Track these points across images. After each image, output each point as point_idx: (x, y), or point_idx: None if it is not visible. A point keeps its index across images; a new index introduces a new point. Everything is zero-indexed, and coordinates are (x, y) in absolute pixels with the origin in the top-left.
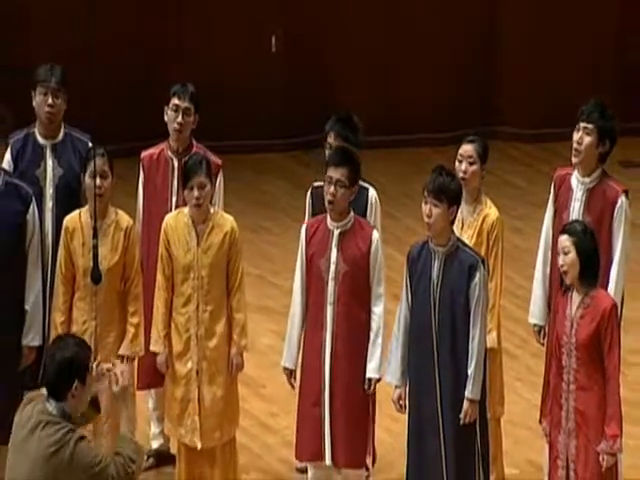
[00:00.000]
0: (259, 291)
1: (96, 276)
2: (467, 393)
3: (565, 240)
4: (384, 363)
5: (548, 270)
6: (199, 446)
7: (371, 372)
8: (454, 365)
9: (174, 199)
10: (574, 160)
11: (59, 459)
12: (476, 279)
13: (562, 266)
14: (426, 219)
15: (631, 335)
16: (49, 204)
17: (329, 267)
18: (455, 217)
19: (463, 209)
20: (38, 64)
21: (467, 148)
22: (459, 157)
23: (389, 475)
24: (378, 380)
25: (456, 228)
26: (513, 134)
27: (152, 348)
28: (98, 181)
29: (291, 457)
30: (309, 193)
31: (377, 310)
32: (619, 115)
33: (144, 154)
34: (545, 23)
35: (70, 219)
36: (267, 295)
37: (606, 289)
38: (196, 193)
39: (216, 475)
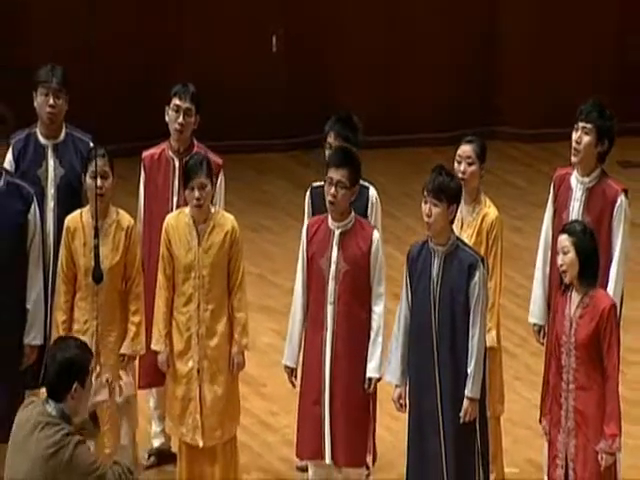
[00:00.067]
0: (260, 290)
1: (97, 275)
2: (467, 392)
3: (565, 240)
4: (384, 362)
5: (548, 270)
6: (201, 444)
7: (371, 371)
8: (454, 364)
9: (175, 199)
10: (573, 159)
11: (58, 460)
12: (476, 278)
13: (561, 266)
14: (426, 218)
15: (630, 334)
16: (50, 204)
17: (330, 266)
18: (455, 216)
19: (462, 209)
20: (38, 64)
21: (465, 149)
22: (458, 158)
23: (389, 474)
24: (378, 379)
25: (455, 227)
26: (513, 134)
27: (153, 347)
28: (99, 182)
29: (291, 456)
30: (308, 193)
31: (377, 309)
32: (619, 115)
33: (145, 154)
34: (545, 23)
35: (71, 219)
36: (268, 294)
37: (606, 288)
38: (197, 194)
39: (217, 473)
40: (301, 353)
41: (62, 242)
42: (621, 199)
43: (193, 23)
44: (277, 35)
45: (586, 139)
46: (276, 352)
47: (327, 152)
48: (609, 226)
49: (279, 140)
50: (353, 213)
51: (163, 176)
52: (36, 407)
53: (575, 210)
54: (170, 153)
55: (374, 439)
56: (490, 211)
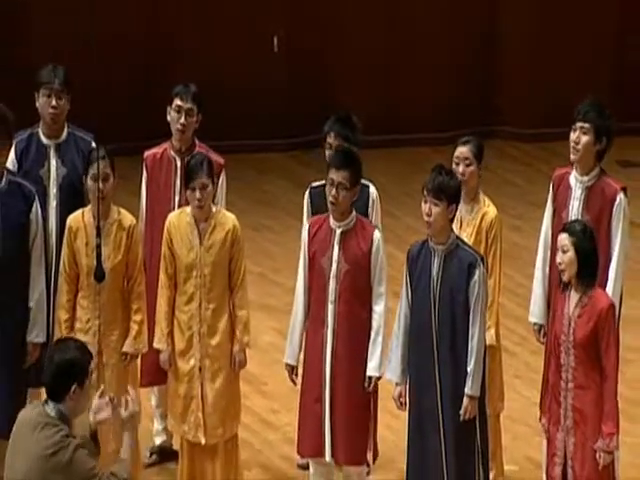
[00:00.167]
0: (261, 289)
1: (99, 274)
2: (467, 390)
3: (564, 239)
4: (384, 362)
5: (548, 269)
6: (203, 442)
7: (371, 370)
8: (454, 362)
9: (177, 198)
10: (572, 158)
11: (57, 461)
12: (475, 277)
13: (560, 264)
14: (426, 218)
15: (629, 333)
16: (53, 203)
17: (331, 266)
18: (454, 215)
19: (461, 208)
20: (39, 64)
21: (463, 150)
22: (455, 159)
23: (390, 471)
24: (378, 378)
25: (455, 227)
26: (513, 134)
27: (156, 346)
28: (100, 184)
29: (292, 453)
30: (307, 194)
31: (378, 309)
32: (618, 115)
33: (147, 153)
34: (545, 23)
35: (73, 219)
36: (269, 293)
37: (605, 287)
38: (198, 194)
39: (218, 471)
40: (302, 352)
41: (64, 242)
42: (620, 197)
43: (193, 23)
44: (278, 36)
45: (584, 139)
46: (277, 350)
47: (327, 152)
48: (608, 224)
49: (279, 140)
50: (354, 213)
51: (165, 176)
52: (36, 408)
53: (574, 209)
54: (172, 153)
55: (375, 437)
56: (489, 210)
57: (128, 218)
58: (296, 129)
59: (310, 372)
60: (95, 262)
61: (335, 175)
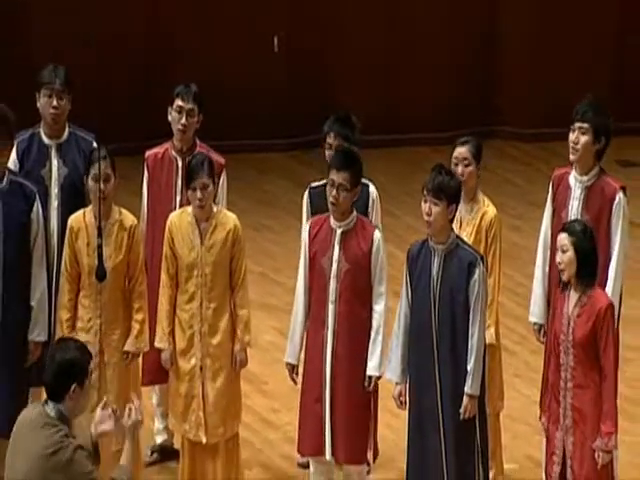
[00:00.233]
0: (261, 288)
1: (101, 274)
2: (466, 389)
3: (564, 239)
4: (384, 361)
5: (547, 268)
6: (204, 441)
7: (371, 370)
8: (454, 362)
9: (178, 198)
10: (572, 158)
11: (56, 461)
12: (475, 276)
13: (560, 264)
14: (426, 217)
15: (629, 332)
16: (54, 203)
17: (331, 265)
18: (454, 215)
19: (461, 208)
20: (39, 64)
21: (461, 151)
22: (454, 160)
23: (390, 470)
24: (378, 378)
25: (455, 227)
26: (512, 133)
27: (157, 345)
28: (101, 185)
29: (293, 452)
30: (306, 194)
31: (378, 308)
32: (618, 115)
33: (148, 153)
34: (545, 23)
35: (75, 219)
36: (269, 292)
37: (605, 286)
38: (199, 194)
39: (219, 470)
40: (302, 351)
41: (65, 242)
42: (619, 196)
43: (193, 23)
44: (279, 36)
45: (583, 139)
46: (277, 350)
47: (327, 152)
48: (608, 224)
49: (280, 140)
50: (355, 212)
51: (166, 175)
52: (36, 408)
53: (574, 209)
54: (173, 153)
55: (375, 436)
56: (489, 210)
57: (129, 218)
58: (296, 129)
59: (310, 371)
60: (96, 261)
61: (336, 176)
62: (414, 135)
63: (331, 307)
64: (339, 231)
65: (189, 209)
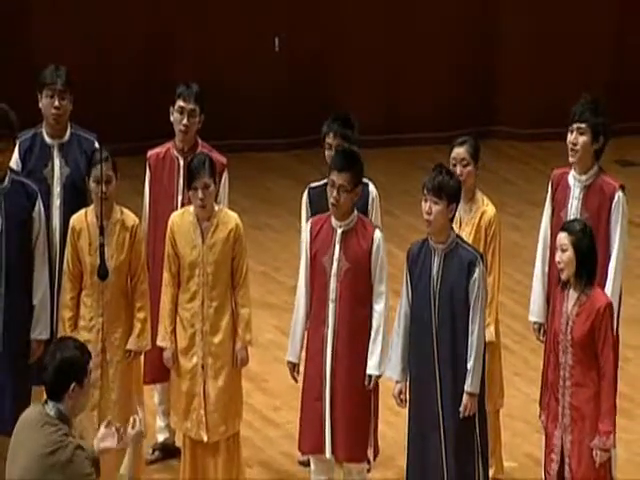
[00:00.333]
0: (263, 287)
1: (103, 273)
2: (466, 387)
3: (564, 238)
4: (384, 360)
5: (547, 268)
6: (205, 439)
7: (371, 369)
8: (454, 360)
9: (180, 197)
10: (571, 159)
11: (55, 460)
12: (475, 275)
13: (559, 263)
14: (426, 216)
15: (629, 331)
16: (56, 202)
17: (332, 264)
18: (454, 215)
19: (460, 207)
20: (39, 64)
21: (459, 151)
22: (452, 161)
23: (390, 468)
24: (378, 377)
25: (454, 226)
26: (512, 133)
27: (159, 343)
28: (103, 186)
29: (293, 450)
30: (306, 194)
31: (378, 308)
32: (617, 115)
33: (150, 153)
34: (544, 23)
35: (76, 219)
36: (270, 291)
37: (604, 284)
38: (200, 194)
39: (220, 468)
40: (303, 349)
41: (67, 241)
42: (619, 195)
43: (193, 23)
44: (280, 37)
45: (582, 139)
46: (278, 348)
47: (327, 152)
48: (607, 222)
49: (281, 139)
50: (355, 212)
51: (168, 175)
52: (36, 407)
53: (573, 208)
54: (175, 152)
55: (376, 434)
56: (488, 209)
57: (131, 218)
58: (297, 128)
59: (311, 370)
60: (98, 261)
61: (336, 178)
62: (414, 135)
63: (331, 306)
64: (340, 230)
65: (191, 208)
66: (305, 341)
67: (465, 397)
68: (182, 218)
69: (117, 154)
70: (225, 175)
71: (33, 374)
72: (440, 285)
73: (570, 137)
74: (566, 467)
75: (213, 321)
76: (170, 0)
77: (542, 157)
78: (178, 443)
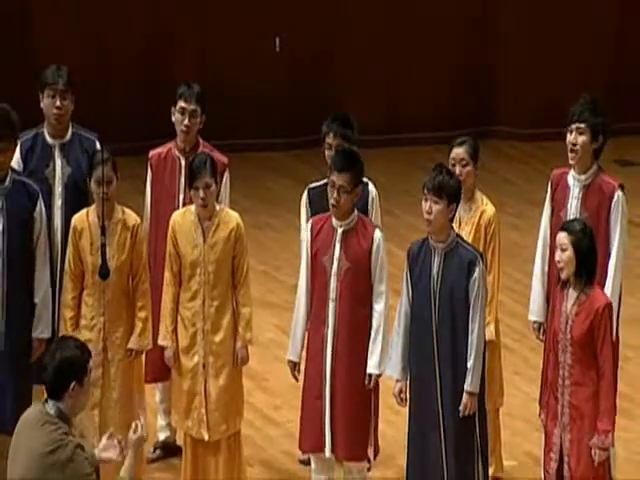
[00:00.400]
0: (263, 286)
1: (104, 272)
2: (466, 386)
3: (564, 237)
4: (384, 359)
5: (546, 267)
6: (206, 438)
7: (371, 368)
8: (454, 359)
9: (181, 197)
10: (571, 162)
11: (56, 458)
12: (475, 274)
13: (559, 262)
14: (426, 216)
15: (629, 331)
16: (58, 202)
17: (332, 264)
18: (455, 214)
19: (460, 207)
20: (40, 64)
21: (458, 152)
22: (452, 161)
23: (390, 467)
24: (378, 376)
25: (454, 225)
26: (511, 133)
27: (160, 342)
28: (104, 188)
29: (294, 449)
30: (305, 195)
31: (378, 307)
32: (617, 115)
33: (152, 153)
34: (544, 23)
35: (78, 219)
36: (271, 290)
37: (604, 282)
38: (201, 193)
39: (221, 467)
40: (304, 348)
41: (69, 241)
42: (618, 194)
43: (193, 23)
44: (281, 37)
45: (582, 139)
46: (278, 347)
47: (327, 153)
48: (607, 221)
49: (282, 139)
50: (356, 212)
51: (169, 175)
52: (37, 406)
53: (573, 207)
54: (176, 152)
55: (376, 434)
56: (487, 208)
57: (132, 217)
58: (298, 128)
59: (311, 369)
60: (100, 260)
61: (337, 178)
62: (414, 135)
63: (331, 305)
64: (340, 230)
65: (192, 208)
66: (306, 340)
67: (465, 396)
68: (183, 217)
69: (117, 154)
70: (226, 175)
71: (34, 373)
72: (440, 284)
73: (570, 137)
74: (565, 466)
75: (214, 320)
76: (170, 0)
77: (542, 157)
78: (179, 442)
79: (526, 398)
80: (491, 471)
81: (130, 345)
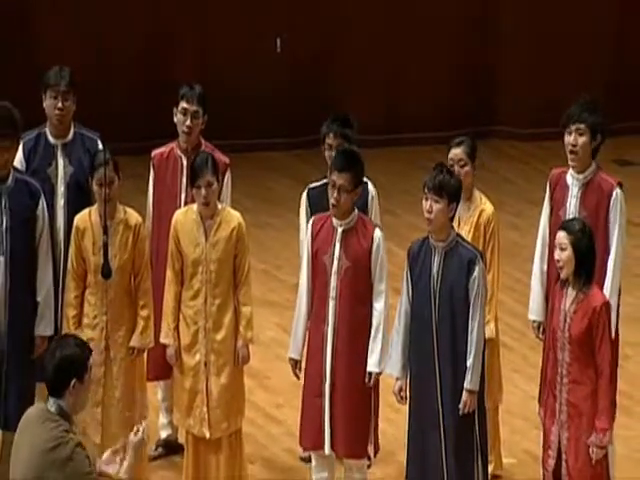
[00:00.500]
0: (264, 285)
1: (107, 272)
2: (466, 384)
3: (563, 237)
4: (384, 358)
5: (545, 266)
6: (208, 436)
7: (371, 366)
8: (454, 358)
9: (183, 196)
10: (571, 163)
11: (56, 455)
12: (475, 273)
13: (558, 261)
14: (426, 215)
15: (627, 329)
16: (60, 202)
17: (332, 263)
18: (455, 214)
19: (459, 206)
20: (41, 64)
21: (457, 152)
22: (450, 162)
23: (389, 465)
24: (378, 374)
25: (454, 225)
26: (511, 133)
27: (162, 340)
28: (106, 189)
29: (295, 447)
30: (305, 195)
31: (378, 306)
32: (616, 114)
33: (154, 153)
34: (544, 23)
35: (80, 218)
36: (272, 289)
37: (603, 281)
38: (204, 192)
39: (222, 464)
40: (305, 346)
41: (72, 240)
42: (617, 192)
43: (193, 23)
44: (281, 38)
45: (581, 139)
46: (279, 346)
47: (327, 153)
48: (605, 219)
49: (283, 139)
50: (356, 211)
51: (171, 174)
52: (39, 404)
53: (572, 206)
54: (178, 152)
55: (376, 431)
56: (486, 207)
57: (134, 217)
58: (298, 128)
59: (311, 367)
60: (102, 260)
61: (337, 178)
62: (414, 135)
63: (332, 304)
64: (340, 229)
65: (194, 207)
66: (306, 338)
67: (464, 394)
68: (185, 216)
69: (118, 154)
70: (228, 175)
71: (37, 371)
72: (440, 283)
73: (569, 139)
74: (563, 463)
75: (216, 318)
76: (170, 0)
77: (542, 157)
78: (181, 440)
79: (525, 396)
80: (490, 469)
81: (132, 343)
